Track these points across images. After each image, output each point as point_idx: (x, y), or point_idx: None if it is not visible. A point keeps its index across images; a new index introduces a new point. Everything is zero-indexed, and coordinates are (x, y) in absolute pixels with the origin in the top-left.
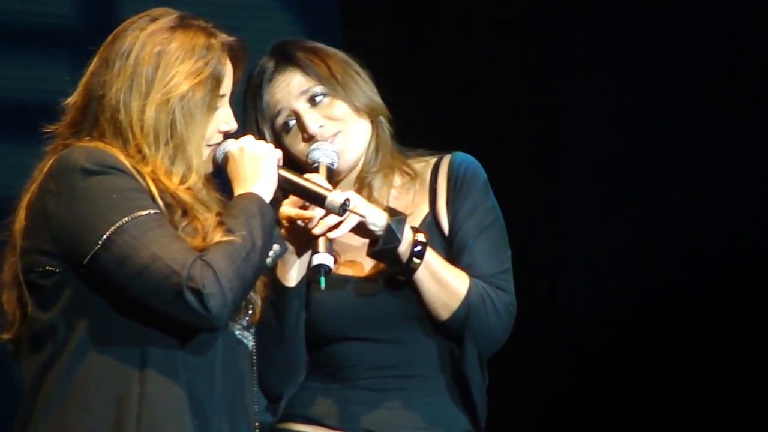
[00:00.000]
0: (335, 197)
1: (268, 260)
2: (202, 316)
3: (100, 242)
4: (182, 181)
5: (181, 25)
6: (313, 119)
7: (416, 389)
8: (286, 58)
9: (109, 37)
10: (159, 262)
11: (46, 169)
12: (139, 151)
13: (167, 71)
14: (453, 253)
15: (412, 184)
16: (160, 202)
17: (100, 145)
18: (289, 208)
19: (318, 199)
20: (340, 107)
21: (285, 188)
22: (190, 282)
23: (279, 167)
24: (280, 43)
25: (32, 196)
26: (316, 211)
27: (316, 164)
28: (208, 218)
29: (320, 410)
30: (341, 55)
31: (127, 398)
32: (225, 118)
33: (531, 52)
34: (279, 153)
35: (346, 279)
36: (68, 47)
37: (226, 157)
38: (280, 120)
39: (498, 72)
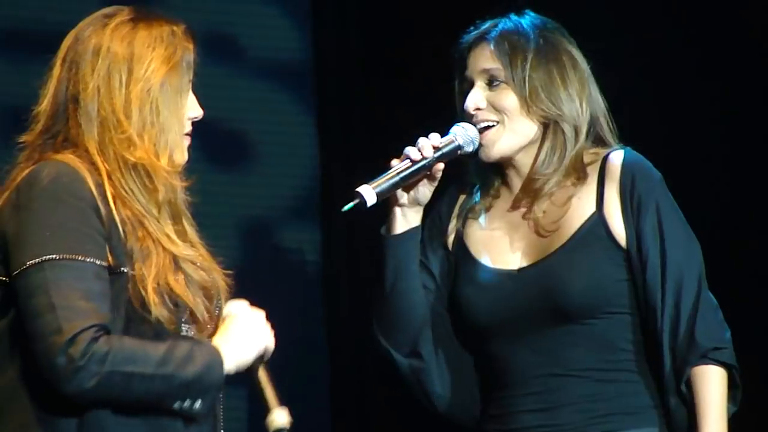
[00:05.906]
0: (278, 417)
1: (175, 405)
2: (58, 380)
3: (21, 269)
4: (170, 163)
5: (139, 16)
6: (477, 98)
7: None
8: (497, 33)
9: (67, 42)
10: (50, 315)
11: (17, 180)
12: (128, 140)
13: (142, 60)
14: (649, 274)
15: (581, 183)
16: (120, 229)
17: (74, 160)
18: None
19: (266, 407)
20: (509, 99)
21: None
22: (71, 347)
23: (261, 360)
24: (506, 19)
25: (2, 205)
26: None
27: (451, 139)
28: (164, 226)
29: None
30: (550, 55)
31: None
32: (192, 104)
33: None
34: (270, 347)
35: (500, 271)
36: None
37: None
38: (463, 84)
39: None
